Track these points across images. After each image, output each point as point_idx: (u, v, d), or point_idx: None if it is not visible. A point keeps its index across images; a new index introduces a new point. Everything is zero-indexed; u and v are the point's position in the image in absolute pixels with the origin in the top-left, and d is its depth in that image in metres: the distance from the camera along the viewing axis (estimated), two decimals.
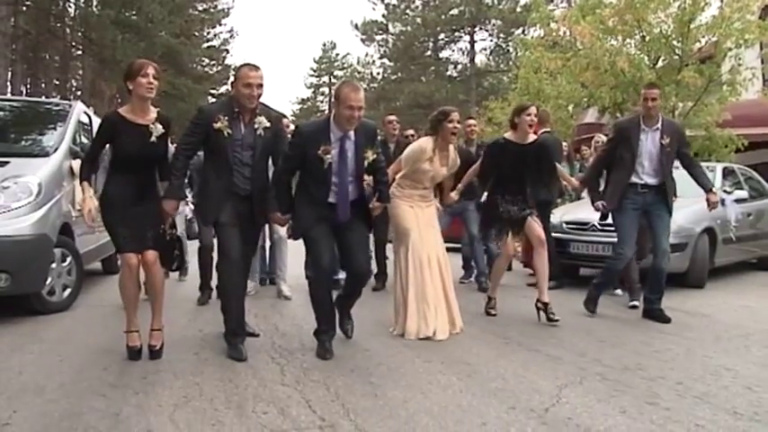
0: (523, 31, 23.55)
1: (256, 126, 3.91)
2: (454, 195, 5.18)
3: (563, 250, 6.96)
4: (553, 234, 6.92)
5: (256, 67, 3.89)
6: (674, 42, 12.23)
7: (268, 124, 3.95)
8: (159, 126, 3.76)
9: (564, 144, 8.53)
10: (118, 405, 2.86)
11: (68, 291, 5.26)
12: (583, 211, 7.01)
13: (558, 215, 7.19)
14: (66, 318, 4.97)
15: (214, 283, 5.18)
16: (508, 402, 2.94)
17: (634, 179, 5.05)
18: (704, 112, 11.52)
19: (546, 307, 4.84)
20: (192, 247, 6.47)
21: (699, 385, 3.23)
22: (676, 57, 12.08)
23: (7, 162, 5.08)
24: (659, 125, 5.06)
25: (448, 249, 4.83)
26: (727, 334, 4.53)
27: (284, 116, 6.58)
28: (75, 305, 5.31)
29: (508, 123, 5.25)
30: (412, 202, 4.67)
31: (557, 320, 4.74)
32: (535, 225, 5.00)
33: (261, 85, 3.85)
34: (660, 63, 12.43)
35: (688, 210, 6.56)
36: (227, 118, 3.82)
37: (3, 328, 4.48)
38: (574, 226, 6.97)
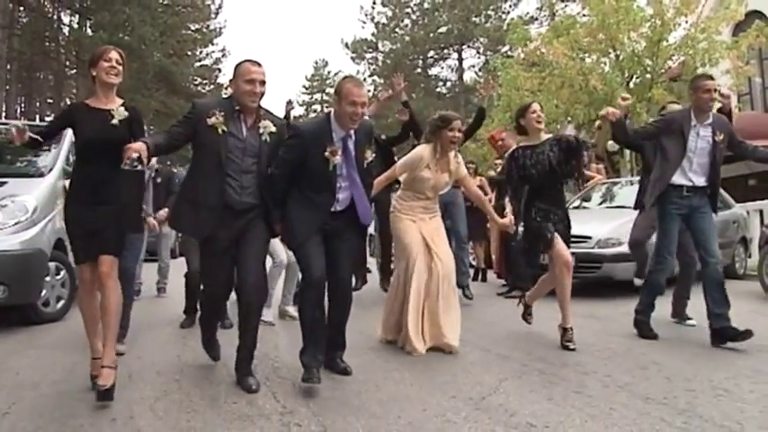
0: (510, 49, 24.04)
1: (261, 131, 3.53)
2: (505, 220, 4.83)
3: (531, 263, 7.35)
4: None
5: (258, 63, 3.55)
6: (647, 61, 12.80)
7: (274, 129, 3.58)
8: (122, 110, 3.44)
9: None
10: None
11: (62, 302, 5.64)
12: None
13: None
14: (60, 327, 5.34)
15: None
16: (450, 393, 3.33)
17: (680, 180, 4.59)
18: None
19: (565, 333, 4.48)
20: (177, 268, 6.81)
21: (625, 377, 3.62)
22: (648, 75, 12.63)
23: (5, 182, 5.47)
24: (710, 121, 4.59)
25: None
26: (668, 334, 4.91)
27: (289, 102, 6.49)
28: (67, 315, 5.67)
29: (515, 131, 4.89)
30: (414, 216, 4.50)
31: (572, 349, 4.35)
32: (563, 248, 4.54)
33: (264, 83, 3.50)
34: (633, 81, 12.97)
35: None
36: (223, 114, 3.42)
37: (1, 336, 4.85)
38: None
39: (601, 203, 8.89)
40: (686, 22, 12.27)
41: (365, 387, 3.43)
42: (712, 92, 4.52)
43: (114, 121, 3.38)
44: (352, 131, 3.61)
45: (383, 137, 6.99)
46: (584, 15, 13.91)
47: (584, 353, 4.28)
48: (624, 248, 6.93)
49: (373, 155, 3.82)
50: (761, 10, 17.64)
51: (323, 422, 2.87)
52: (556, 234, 4.51)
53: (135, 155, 3.05)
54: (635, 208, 5.79)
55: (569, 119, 13.06)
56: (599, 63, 12.78)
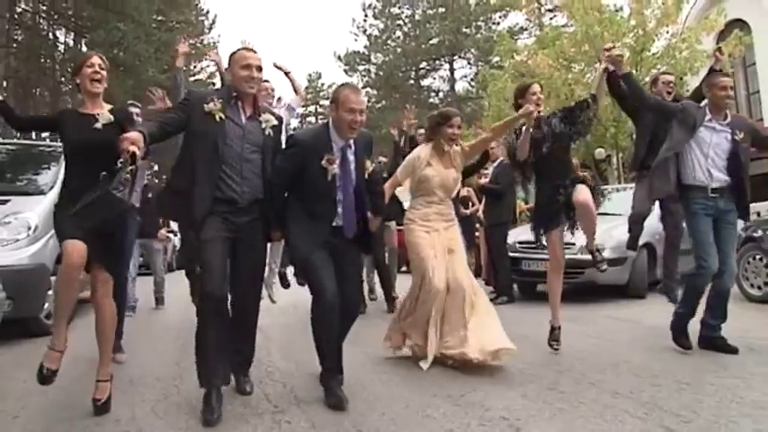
0: (501, 59, 24.49)
1: (264, 124, 3.46)
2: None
3: (516, 268, 7.64)
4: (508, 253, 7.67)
5: (254, 50, 3.49)
6: (632, 70, 13.10)
7: (276, 122, 3.53)
8: (107, 114, 3.36)
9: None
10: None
11: None
12: (530, 232, 7.68)
13: (513, 236, 7.85)
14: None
15: None
16: (432, 391, 3.56)
17: (700, 178, 4.40)
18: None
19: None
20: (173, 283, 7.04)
21: (596, 375, 3.85)
22: None
23: (8, 200, 5.70)
24: (728, 121, 4.43)
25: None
26: (643, 335, 5.16)
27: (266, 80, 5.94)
28: (69, 327, 5.86)
29: (515, 109, 4.63)
30: (428, 226, 4.31)
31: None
32: (580, 192, 4.35)
33: (260, 68, 3.42)
34: None
35: (626, 227, 7.24)
36: (221, 101, 3.32)
37: (6, 349, 5.06)
38: (525, 245, 7.62)
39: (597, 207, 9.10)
40: (667, 32, 12.60)
41: (355, 389, 3.63)
42: (728, 89, 4.42)
43: (98, 125, 3.30)
44: (351, 141, 3.50)
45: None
46: (570, 26, 14.25)
47: (562, 353, 4.50)
48: (607, 254, 7.18)
49: (372, 165, 3.70)
50: (743, 18, 18.08)
51: (311, 419, 3.10)
52: (555, 233, 4.57)
53: (132, 148, 2.84)
54: (631, 170, 5.86)
55: None
56: (583, 73, 13.09)
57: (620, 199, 8.09)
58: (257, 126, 3.42)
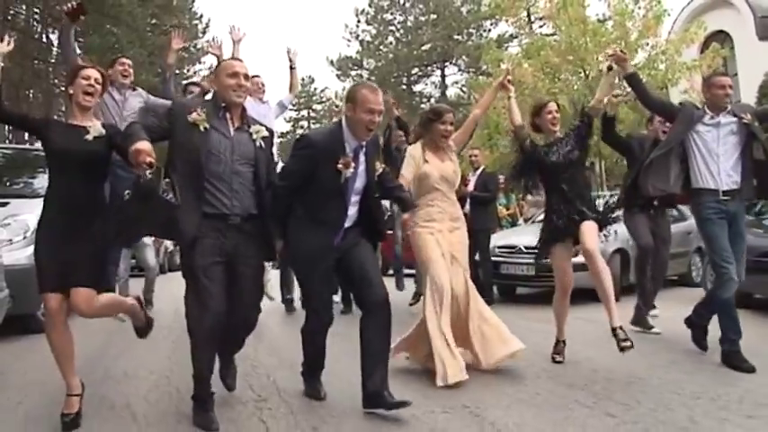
0: (488, 67, 24.88)
1: (254, 136, 3.28)
2: None
3: (495, 271, 7.95)
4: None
5: (240, 59, 3.42)
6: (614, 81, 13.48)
7: (267, 134, 3.35)
8: (99, 126, 3.25)
9: (501, 177, 9.59)
10: (104, 390, 3.75)
11: None
12: (511, 236, 8.05)
13: (492, 241, 8.17)
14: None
15: None
16: (404, 383, 3.84)
17: (712, 184, 4.28)
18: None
19: (618, 332, 4.07)
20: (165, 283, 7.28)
21: (558, 370, 4.18)
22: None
23: (7, 203, 5.97)
24: (729, 109, 4.33)
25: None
26: (610, 336, 5.45)
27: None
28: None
29: (530, 127, 4.62)
30: (431, 227, 4.17)
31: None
32: (587, 235, 4.20)
33: (248, 77, 3.28)
34: None
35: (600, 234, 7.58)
36: (205, 111, 3.15)
37: (5, 344, 5.33)
38: (504, 250, 7.94)
39: None
40: (647, 44, 12.99)
41: (334, 380, 3.91)
42: (727, 87, 4.34)
43: (88, 137, 3.18)
44: (364, 142, 3.37)
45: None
46: (554, 36, 14.63)
47: (529, 350, 4.73)
48: (580, 259, 7.50)
49: (381, 166, 3.59)
50: (726, 30, 18.54)
51: (290, 406, 3.40)
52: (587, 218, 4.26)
53: (148, 158, 2.81)
54: (621, 206, 5.51)
55: None
56: (567, 83, 13.45)
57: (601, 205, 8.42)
58: (247, 138, 3.25)
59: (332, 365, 3.86)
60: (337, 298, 8.01)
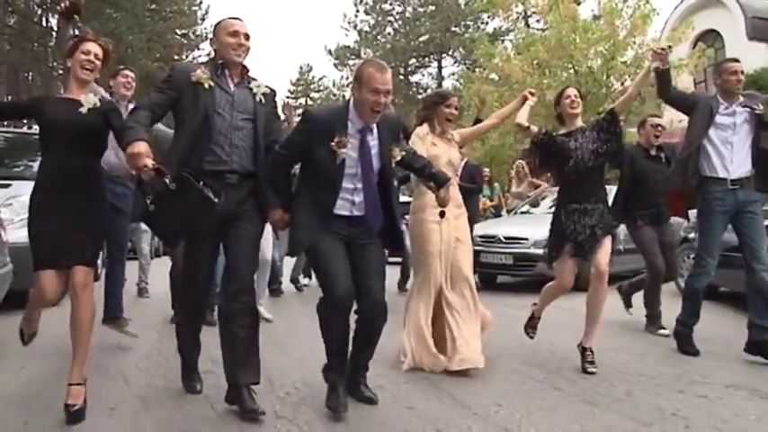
0: (479, 62, 25.17)
1: (254, 90, 3.19)
2: None
3: (476, 260, 8.27)
4: None
5: (240, 18, 3.24)
6: (602, 77, 13.81)
7: (267, 90, 3.24)
8: (93, 97, 3.17)
9: (486, 170, 9.92)
10: (99, 358, 4.06)
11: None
12: (491, 227, 8.39)
13: (473, 231, 8.50)
14: (57, 310, 6.10)
15: None
16: (381, 364, 4.11)
17: (721, 173, 4.22)
18: (626, 139, 13.13)
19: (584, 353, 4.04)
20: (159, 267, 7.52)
21: (522, 351, 4.46)
22: (603, 91, 13.65)
23: (10, 185, 6.28)
24: (741, 101, 4.28)
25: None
26: (574, 321, 5.76)
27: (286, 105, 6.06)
28: (63, 301, 6.46)
29: (557, 120, 4.44)
30: (436, 215, 3.97)
31: (593, 372, 3.90)
32: (602, 254, 4.00)
33: (248, 37, 3.17)
34: (589, 97, 13.97)
35: None
36: (208, 69, 3.11)
37: (8, 317, 5.65)
38: (484, 239, 8.27)
39: (551, 207, 9.72)
40: (635, 43, 13.29)
41: (307, 353, 4.25)
42: (738, 73, 4.26)
43: (82, 109, 3.09)
44: (373, 124, 3.17)
45: None
46: (546, 31, 14.92)
47: (504, 336, 4.90)
48: None
49: (402, 153, 3.37)
50: (716, 29, 18.83)
51: (269, 376, 3.72)
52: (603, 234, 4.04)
53: (148, 163, 2.74)
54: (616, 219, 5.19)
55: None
56: (556, 78, 13.74)
57: None
58: (247, 93, 3.17)
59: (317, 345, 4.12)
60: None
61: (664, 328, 5.23)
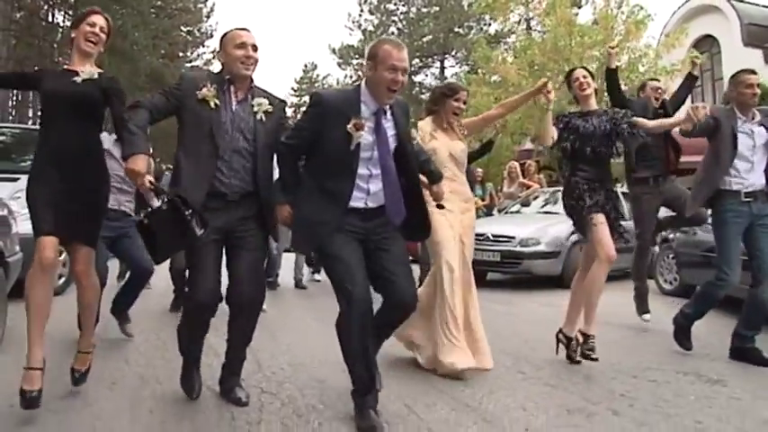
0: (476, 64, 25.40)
1: (255, 108, 3.07)
2: None
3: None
4: None
5: (247, 29, 3.13)
6: (598, 81, 14.08)
7: (270, 108, 3.11)
8: (91, 69, 3.10)
9: (479, 170, 10.23)
10: (102, 344, 4.31)
11: (63, 279, 6.77)
12: (481, 225, 8.66)
13: None
14: (62, 299, 6.43)
15: None
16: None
17: (734, 185, 4.20)
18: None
19: (585, 340, 4.00)
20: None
21: (501, 343, 4.68)
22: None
23: (18, 178, 6.60)
24: (759, 118, 4.28)
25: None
26: (553, 316, 6.05)
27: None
28: (68, 290, 6.78)
29: (575, 100, 4.38)
30: (443, 209, 3.73)
31: (595, 359, 3.93)
32: (610, 239, 3.97)
33: (256, 48, 3.08)
34: None
35: (563, 225, 8.21)
36: (215, 87, 3.01)
37: (17, 304, 5.97)
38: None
39: (543, 206, 9.96)
40: (628, 48, 13.58)
41: (296, 339, 4.59)
42: (755, 86, 4.23)
43: (77, 79, 3.03)
44: (387, 107, 3.00)
45: None
46: (543, 35, 15.22)
47: (498, 336, 4.88)
48: (542, 247, 8.19)
49: (415, 140, 3.29)
50: (713, 35, 19.10)
51: (258, 358, 4.04)
52: (599, 216, 3.99)
53: (147, 180, 2.83)
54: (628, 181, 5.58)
55: (523, 131, 14.36)
56: (551, 81, 14.02)
57: None
58: (248, 110, 3.07)
59: (305, 330, 4.46)
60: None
61: (647, 313, 5.49)
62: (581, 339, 3.99)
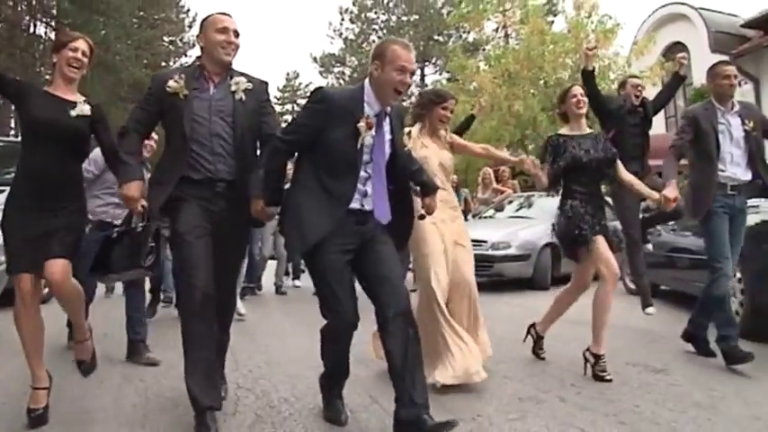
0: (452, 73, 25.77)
1: (233, 87, 3.00)
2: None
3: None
4: None
5: (229, 15, 3.06)
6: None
7: (250, 86, 3.04)
8: (85, 107, 3.10)
9: (453, 176, 10.49)
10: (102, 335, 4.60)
11: (47, 289, 6.94)
12: (469, 228, 9.00)
13: None
14: (47, 309, 6.65)
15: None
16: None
17: (721, 179, 4.25)
18: None
19: (597, 361, 3.91)
20: None
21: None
22: None
23: (2, 191, 6.79)
24: (737, 109, 4.32)
25: None
26: (531, 318, 6.33)
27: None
28: (53, 299, 6.98)
29: (560, 118, 4.41)
30: (434, 217, 3.57)
31: (609, 380, 3.82)
32: (610, 254, 4.02)
33: (238, 34, 3.02)
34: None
35: (533, 228, 8.58)
36: (183, 77, 2.95)
37: (6, 312, 6.16)
38: None
39: (517, 211, 10.25)
40: (597, 56, 13.98)
41: (276, 341, 4.84)
42: (732, 77, 4.26)
43: (72, 113, 3.04)
44: (389, 109, 2.93)
45: None
46: (517, 44, 15.62)
47: None
48: (513, 251, 8.50)
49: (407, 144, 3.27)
50: (683, 42, 19.59)
51: (236, 358, 4.29)
52: (595, 236, 4.00)
53: (140, 205, 2.98)
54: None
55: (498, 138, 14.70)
56: (523, 89, 14.40)
57: (542, 205, 9.33)
58: (227, 92, 3.01)
59: (285, 333, 4.68)
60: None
61: (650, 306, 5.51)
62: (592, 360, 3.93)
